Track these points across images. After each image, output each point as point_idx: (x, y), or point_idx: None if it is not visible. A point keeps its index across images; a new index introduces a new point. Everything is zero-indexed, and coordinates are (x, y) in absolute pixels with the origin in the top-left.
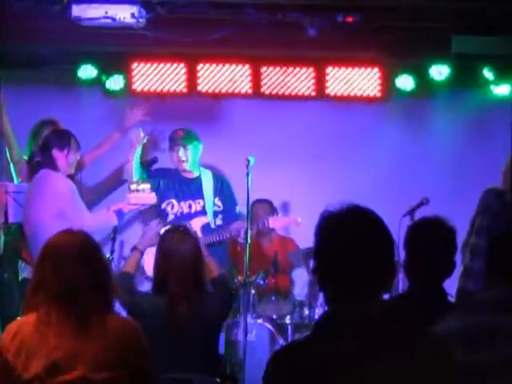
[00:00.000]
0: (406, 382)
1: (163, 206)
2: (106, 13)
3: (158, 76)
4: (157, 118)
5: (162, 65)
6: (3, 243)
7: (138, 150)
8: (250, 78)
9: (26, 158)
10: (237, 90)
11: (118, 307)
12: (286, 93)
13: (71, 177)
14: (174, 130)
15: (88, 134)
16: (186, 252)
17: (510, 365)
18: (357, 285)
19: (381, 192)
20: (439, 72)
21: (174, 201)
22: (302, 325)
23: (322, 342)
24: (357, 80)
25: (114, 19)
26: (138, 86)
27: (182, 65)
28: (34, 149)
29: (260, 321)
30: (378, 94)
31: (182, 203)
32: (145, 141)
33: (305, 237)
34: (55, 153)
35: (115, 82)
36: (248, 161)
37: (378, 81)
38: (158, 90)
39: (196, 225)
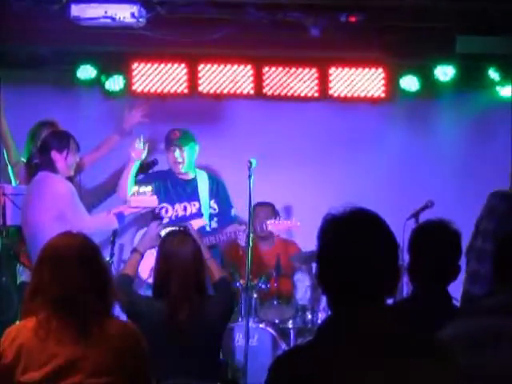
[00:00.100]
0: None
1: (157, 210)
2: (106, 12)
3: (158, 76)
4: (157, 119)
5: (162, 65)
6: (1, 246)
7: (136, 166)
8: (251, 78)
9: (24, 159)
10: (238, 91)
11: (118, 311)
12: (289, 94)
13: (70, 179)
14: (170, 129)
15: (87, 136)
16: (187, 255)
17: None
18: (360, 290)
19: (385, 194)
20: (444, 73)
21: (166, 205)
22: (305, 329)
23: (324, 347)
24: (360, 81)
25: (113, 19)
26: (137, 86)
27: (182, 65)
28: (33, 150)
29: (262, 325)
30: (382, 95)
31: (177, 205)
32: (145, 154)
33: (308, 240)
34: (54, 154)
35: (115, 83)
36: (250, 163)
37: (382, 81)
38: (159, 90)
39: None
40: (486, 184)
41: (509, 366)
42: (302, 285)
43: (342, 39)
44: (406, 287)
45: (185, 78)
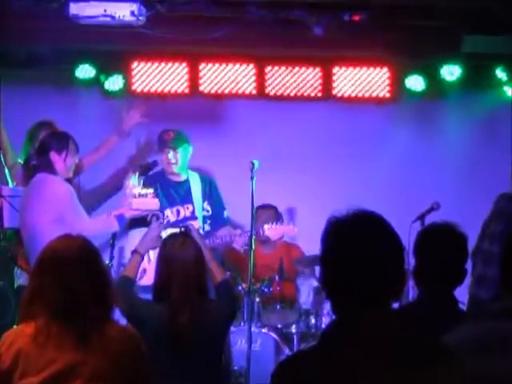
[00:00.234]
0: None
1: (148, 218)
2: (105, 11)
3: (158, 76)
4: (157, 119)
5: (162, 64)
6: None
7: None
8: (254, 78)
9: (21, 161)
10: (240, 91)
11: (118, 314)
12: (292, 93)
13: (69, 180)
14: (163, 130)
15: (86, 136)
16: (188, 258)
17: None
18: (365, 293)
19: (390, 196)
20: (450, 72)
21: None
22: (309, 334)
23: (329, 352)
24: (365, 80)
25: (113, 17)
26: (137, 86)
27: (183, 64)
28: (31, 151)
29: (265, 330)
30: (387, 95)
31: (168, 211)
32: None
33: (311, 243)
34: (53, 156)
35: (114, 83)
36: (252, 164)
37: (387, 81)
38: (159, 90)
39: None
40: (493, 185)
41: None
42: (306, 289)
43: (346, 38)
44: (411, 291)
45: (185, 77)
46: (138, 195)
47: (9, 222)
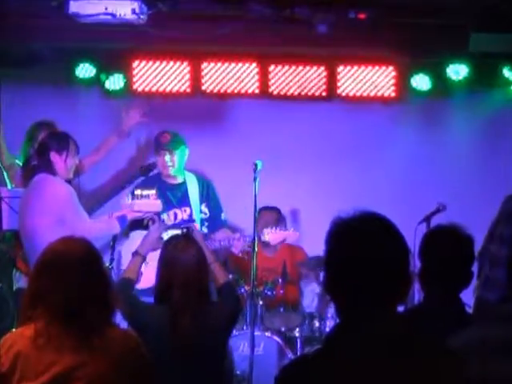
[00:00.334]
0: None
1: (145, 222)
2: (106, 9)
3: (160, 75)
4: (159, 119)
5: (164, 63)
6: None
7: None
8: (257, 77)
9: (18, 162)
10: (243, 90)
11: (119, 318)
12: (295, 93)
13: (69, 182)
14: (159, 132)
15: (86, 137)
16: (190, 260)
17: None
18: (370, 296)
19: (395, 198)
20: (457, 71)
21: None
22: (312, 338)
23: (333, 356)
24: (370, 79)
25: (113, 15)
26: (138, 85)
27: (185, 63)
28: (30, 152)
29: (268, 333)
30: (393, 95)
31: (165, 215)
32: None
33: (315, 245)
34: (53, 156)
35: (115, 82)
36: (255, 165)
37: (393, 80)
38: (160, 89)
39: None
40: (500, 186)
41: None
42: (310, 292)
43: (351, 36)
44: (417, 294)
45: (187, 76)
46: (140, 196)
47: (7, 223)
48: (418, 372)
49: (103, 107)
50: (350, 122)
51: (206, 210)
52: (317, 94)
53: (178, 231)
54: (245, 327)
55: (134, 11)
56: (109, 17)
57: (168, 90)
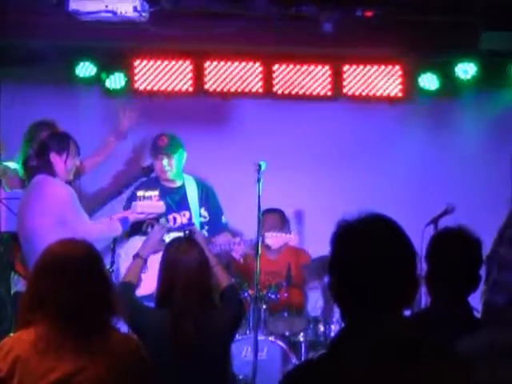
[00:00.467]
0: None
1: (143, 227)
2: (107, 6)
3: (161, 74)
4: (160, 119)
5: (166, 62)
6: None
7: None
8: (261, 76)
9: (10, 166)
10: (247, 90)
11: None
12: (300, 92)
13: (69, 183)
14: (157, 135)
15: (86, 137)
16: (192, 263)
17: None
18: (376, 300)
19: (402, 199)
20: (465, 70)
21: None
22: (317, 342)
23: (338, 361)
24: (376, 79)
25: (114, 13)
26: (140, 84)
27: (187, 62)
28: (30, 152)
29: (272, 338)
30: (400, 94)
31: (164, 219)
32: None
33: (320, 247)
34: (53, 157)
35: (116, 81)
36: (259, 166)
37: (400, 80)
38: (162, 89)
39: None
40: (509, 188)
41: None
42: (314, 295)
43: (358, 35)
44: (424, 298)
45: (190, 75)
46: (143, 198)
47: (5, 225)
48: (425, 377)
49: (104, 107)
50: (356, 122)
51: (205, 213)
52: (322, 93)
53: (179, 233)
54: (248, 331)
55: (135, 9)
56: (110, 14)
57: (170, 89)
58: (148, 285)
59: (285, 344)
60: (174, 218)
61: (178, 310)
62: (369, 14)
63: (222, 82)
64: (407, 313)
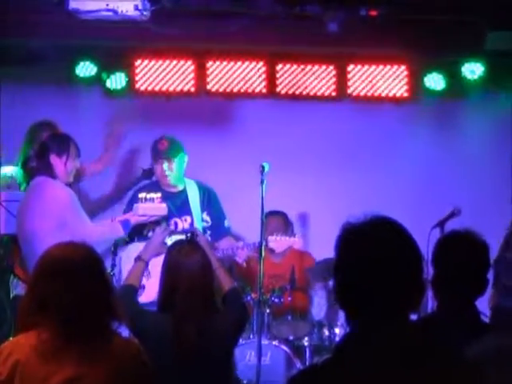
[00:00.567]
0: None
1: (145, 232)
2: (107, 5)
3: (163, 74)
4: (162, 120)
5: (167, 62)
6: None
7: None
8: (264, 76)
9: (7, 173)
10: (250, 90)
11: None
12: (304, 93)
13: (69, 186)
14: (156, 139)
15: (86, 138)
16: (195, 266)
17: None
18: (382, 304)
19: (408, 201)
20: (472, 70)
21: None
22: (322, 347)
23: (343, 366)
24: (381, 79)
25: (115, 12)
26: (141, 85)
27: (189, 62)
28: (30, 153)
29: (275, 342)
30: (405, 95)
31: (165, 225)
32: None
33: (324, 250)
34: (53, 159)
35: (117, 81)
36: (262, 167)
37: (405, 80)
38: (164, 89)
39: None
40: None
41: None
42: (319, 299)
43: (362, 34)
44: (430, 302)
45: (192, 75)
46: (145, 200)
47: (5, 227)
48: (432, 382)
49: (104, 107)
50: (361, 123)
51: (207, 218)
52: (326, 94)
53: (182, 236)
54: (251, 336)
55: (136, 7)
56: (110, 13)
57: (172, 89)
58: (151, 291)
59: (289, 348)
60: (176, 223)
61: (180, 314)
62: (373, 13)
63: (224, 82)
64: (414, 317)
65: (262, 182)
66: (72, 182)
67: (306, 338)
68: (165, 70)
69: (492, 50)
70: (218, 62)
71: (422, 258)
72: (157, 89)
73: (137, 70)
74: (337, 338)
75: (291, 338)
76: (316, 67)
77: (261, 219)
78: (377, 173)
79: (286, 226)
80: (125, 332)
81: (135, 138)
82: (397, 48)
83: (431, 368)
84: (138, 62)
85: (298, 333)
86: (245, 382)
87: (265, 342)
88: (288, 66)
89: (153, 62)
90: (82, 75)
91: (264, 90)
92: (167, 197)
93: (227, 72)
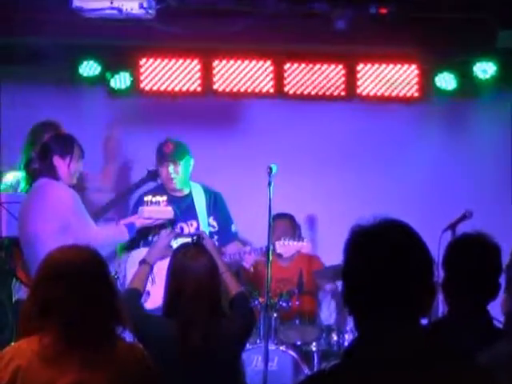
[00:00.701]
0: None
1: (150, 237)
2: (112, 3)
3: (168, 74)
4: (168, 120)
5: (173, 61)
6: None
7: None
8: (271, 75)
9: (8, 181)
10: (257, 90)
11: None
12: (313, 93)
13: (72, 187)
14: (162, 142)
15: (90, 139)
16: (201, 269)
17: None
18: (391, 308)
19: (418, 203)
20: (484, 70)
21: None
22: (330, 352)
23: (352, 372)
24: (392, 78)
25: (120, 10)
26: (146, 84)
27: (195, 61)
28: (32, 155)
29: (283, 348)
30: (416, 94)
31: (170, 229)
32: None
33: (333, 253)
34: (56, 160)
35: (121, 81)
36: (270, 169)
37: (416, 79)
38: (169, 89)
39: None
40: None
41: None
42: (327, 303)
43: (372, 33)
44: (441, 306)
45: (198, 75)
46: (150, 203)
47: (7, 230)
48: None
49: (108, 107)
50: (371, 123)
51: (214, 222)
52: (335, 93)
53: (188, 239)
54: (258, 341)
55: (141, 6)
56: (115, 12)
57: (177, 89)
58: (157, 297)
59: (296, 354)
60: (181, 228)
61: (186, 318)
62: (383, 10)
63: (231, 81)
64: (424, 321)
65: (269, 183)
66: (75, 183)
67: (314, 343)
68: (170, 69)
69: (504, 49)
70: (224, 61)
71: (432, 260)
72: (162, 89)
73: (141, 70)
74: (346, 343)
75: (299, 342)
76: (325, 66)
77: (268, 222)
78: (386, 174)
79: (294, 229)
80: (128, 337)
81: (140, 139)
82: (407, 47)
83: (442, 372)
84: (143, 61)
85: (306, 338)
86: None
87: (272, 347)
88: (296, 65)
89: (158, 62)
90: (85, 75)
91: (271, 90)
92: (173, 201)
93: (234, 71)
